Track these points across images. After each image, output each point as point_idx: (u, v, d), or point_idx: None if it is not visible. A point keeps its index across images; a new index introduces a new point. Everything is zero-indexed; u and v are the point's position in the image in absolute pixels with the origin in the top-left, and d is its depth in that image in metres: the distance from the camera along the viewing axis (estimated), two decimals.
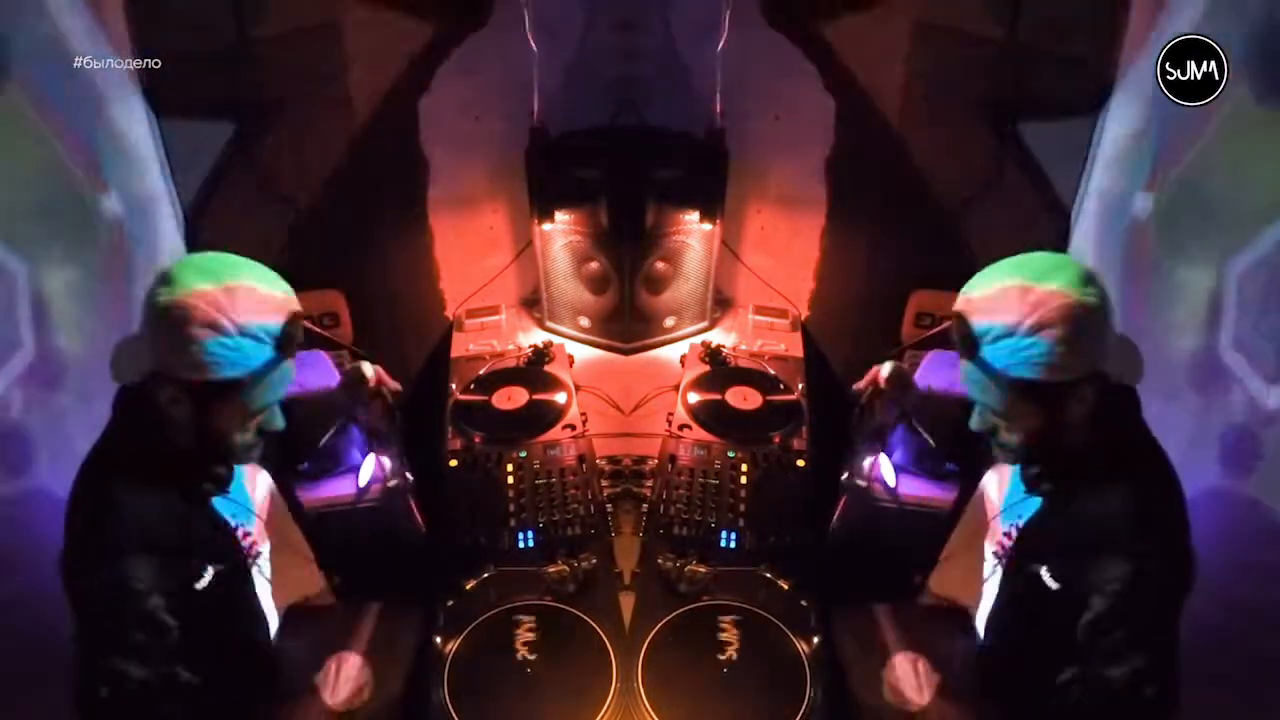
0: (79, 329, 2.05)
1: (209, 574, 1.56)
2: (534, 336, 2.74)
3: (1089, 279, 1.50)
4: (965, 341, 1.55)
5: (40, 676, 1.45)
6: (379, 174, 2.60)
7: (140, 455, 1.57)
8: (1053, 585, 1.57)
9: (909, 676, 1.78)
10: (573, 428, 2.31)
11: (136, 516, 1.51)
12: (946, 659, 1.79)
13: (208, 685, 1.47)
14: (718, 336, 2.75)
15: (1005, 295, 1.51)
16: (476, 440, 2.27)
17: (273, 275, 1.61)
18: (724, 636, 1.85)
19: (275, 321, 1.54)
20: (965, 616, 1.88)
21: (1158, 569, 1.48)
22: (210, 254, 1.57)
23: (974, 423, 1.62)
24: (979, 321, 1.53)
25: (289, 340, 1.56)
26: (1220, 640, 1.73)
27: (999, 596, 1.73)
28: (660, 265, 2.63)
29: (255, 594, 1.72)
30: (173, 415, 1.55)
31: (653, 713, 1.75)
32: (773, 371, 2.53)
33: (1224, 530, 1.90)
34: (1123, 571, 1.47)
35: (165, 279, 1.52)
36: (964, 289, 1.59)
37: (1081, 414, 1.54)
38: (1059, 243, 2.48)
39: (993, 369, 1.53)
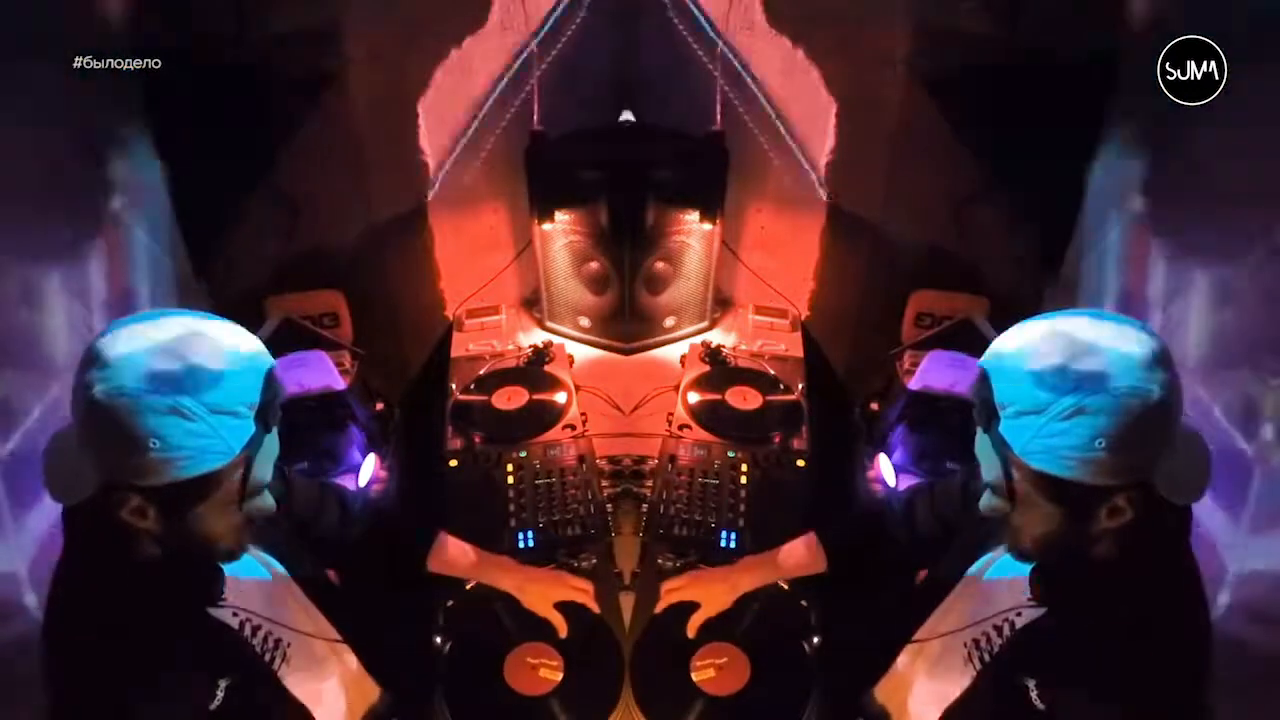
0: (72, 328, 2.05)
1: (221, 690, 1.31)
2: (534, 336, 2.74)
3: (1156, 361, 1.18)
4: (983, 408, 1.26)
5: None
6: (379, 174, 2.60)
7: (111, 580, 1.29)
8: (1039, 705, 1.32)
9: None
10: (573, 428, 2.31)
11: (125, 655, 1.25)
12: None
13: None
14: (718, 336, 2.75)
15: (1043, 361, 1.21)
16: (476, 440, 2.27)
17: (233, 327, 1.29)
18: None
19: (252, 387, 1.24)
20: None
21: None
22: (145, 315, 1.25)
23: (982, 504, 1.35)
24: (1003, 387, 1.24)
25: (271, 406, 1.26)
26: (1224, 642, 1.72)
27: (966, 697, 1.48)
28: (660, 265, 2.62)
29: (283, 690, 1.45)
30: (138, 529, 1.25)
31: (651, 713, 1.76)
32: (773, 371, 2.53)
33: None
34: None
35: (97, 360, 1.18)
36: (997, 340, 1.30)
37: (1113, 528, 1.26)
38: (1059, 244, 2.48)
39: (1009, 451, 1.23)
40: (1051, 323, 1.26)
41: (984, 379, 1.27)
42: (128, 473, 1.19)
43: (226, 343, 1.25)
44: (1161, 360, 1.19)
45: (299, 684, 1.49)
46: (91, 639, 1.26)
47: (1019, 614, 1.40)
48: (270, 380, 1.27)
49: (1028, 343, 1.25)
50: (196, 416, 1.18)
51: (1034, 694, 1.32)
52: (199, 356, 1.20)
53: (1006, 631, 1.43)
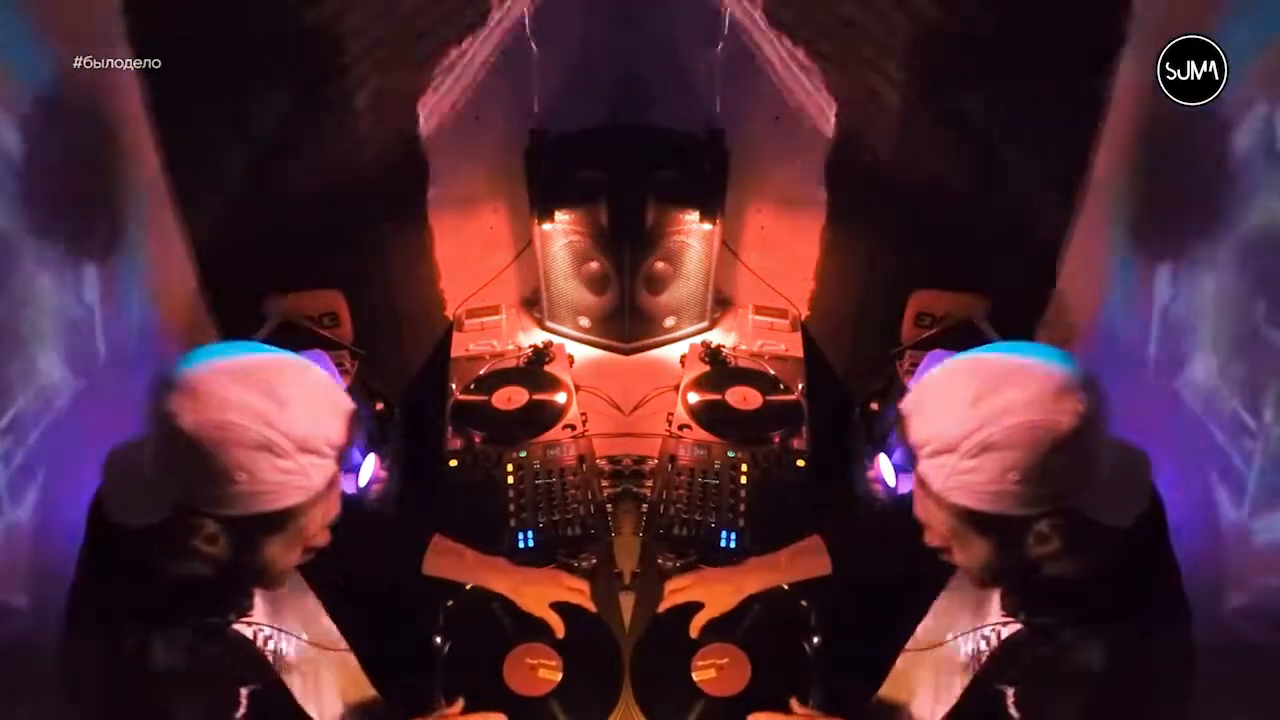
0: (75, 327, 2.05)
1: (244, 698, 1.35)
2: (534, 336, 2.75)
3: (1070, 389, 1.18)
4: (904, 448, 1.30)
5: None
6: (379, 174, 2.60)
7: (141, 595, 1.30)
8: (1014, 714, 1.36)
9: None
10: (573, 428, 2.31)
11: (151, 670, 1.27)
12: None
13: None
14: (718, 336, 2.75)
15: (952, 399, 1.22)
16: (476, 440, 2.27)
17: (310, 364, 1.30)
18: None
19: (336, 427, 1.26)
20: None
21: None
22: (230, 346, 1.26)
23: (927, 537, 1.37)
24: (918, 428, 1.26)
25: (351, 445, 1.29)
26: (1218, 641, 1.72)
27: (960, 704, 1.51)
28: (660, 265, 2.62)
29: (293, 699, 1.49)
30: (204, 553, 1.26)
31: (651, 713, 1.75)
32: (773, 371, 2.53)
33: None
34: None
35: (183, 388, 1.18)
36: (917, 383, 1.33)
37: (1047, 553, 1.27)
38: (1059, 244, 2.48)
39: (930, 488, 1.26)
40: (964, 361, 1.28)
41: (901, 421, 1.29)
42: (210, 502, 1.20)
43: (315, 382, 1.28)
44: (1074, 390, 1.19)
45: (297, 690, 1.51)
46: (119, 646, 1.27)
47: (1006, 623, 1.43)
48: (352, 421, 1.29)
49: (939, 383, 1.27)
50: (285, 453, 1.20)
51: (1010, 704, 1.35)
52: (290, 394, 1.21)
53: (994, 641, 1.46)
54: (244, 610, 1.36)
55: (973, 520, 1.24)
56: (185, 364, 1.22)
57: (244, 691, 1.35)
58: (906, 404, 1.30)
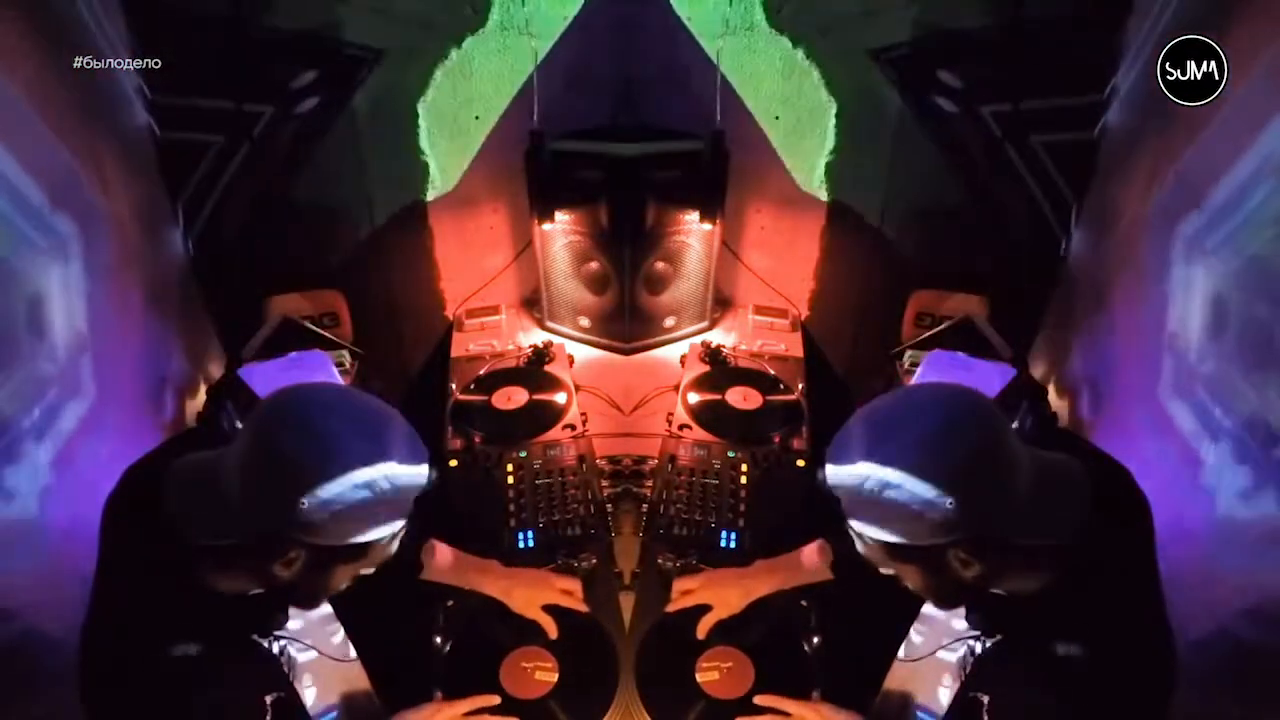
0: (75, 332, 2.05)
1: (270, 707, 1.42)
2: (534, 336, 2.75)
3: (964, 424, 1.23)
4: (827, 493, 1.35)
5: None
6: (379, 174, 2.60)
7: (189, 609, 1.32)
8: None
9: None
10: (573, 428, 2.31)
11: (187, 683, 1.31)
12: None
13: None
14: (718, 336, 2.75)
15: (856, 446, 1.29)
16: (476, 440, 2.27)
17: (395, 412, 1.37)
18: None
19: (423, 474, 1.33)
20: None
21: None
22: (330, 387, 1.32)
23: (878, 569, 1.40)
24: (832, 474, 1.33)
25: (430, 490, 1.34)
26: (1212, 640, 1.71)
27: (947, 711, 1.58)
28: (660, 265, 2.62)
29: (304, 707, 1.55)
30: (274, 576, 1.28)
31: (651, 713, 1.75)
32: (773, 371, 2.53)
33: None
34: None
35: (284, 418, 1.23)
36: (838, 434, 1.37)
37: (977, 575, 1.29)
38: (1058, 244, 2.48)
39: (848, 524, 1.31)
40: (877, 404, 1.34)
41: (821, 469, 1.35)
42: (302, 529, 1.22)
43: (408, 430, 1.35)
44: (969, 425, 1.23)
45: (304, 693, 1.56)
46: (154, 658, 1.30)
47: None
48: (430, 467, 1.36)
49: (847, 430, 1.34)
50: (384, 494, 1.26)
51: (985, 710, 1.40)
52: (394, 440, 1.29)
53: (977, 649, 1.53)
54: (282, 626, 1.41)
55: (892, 551, 1.29)
56: (285, 394, 1.27)
57: (268, 700, 1.41)
58: (829, 449, 1.36)
